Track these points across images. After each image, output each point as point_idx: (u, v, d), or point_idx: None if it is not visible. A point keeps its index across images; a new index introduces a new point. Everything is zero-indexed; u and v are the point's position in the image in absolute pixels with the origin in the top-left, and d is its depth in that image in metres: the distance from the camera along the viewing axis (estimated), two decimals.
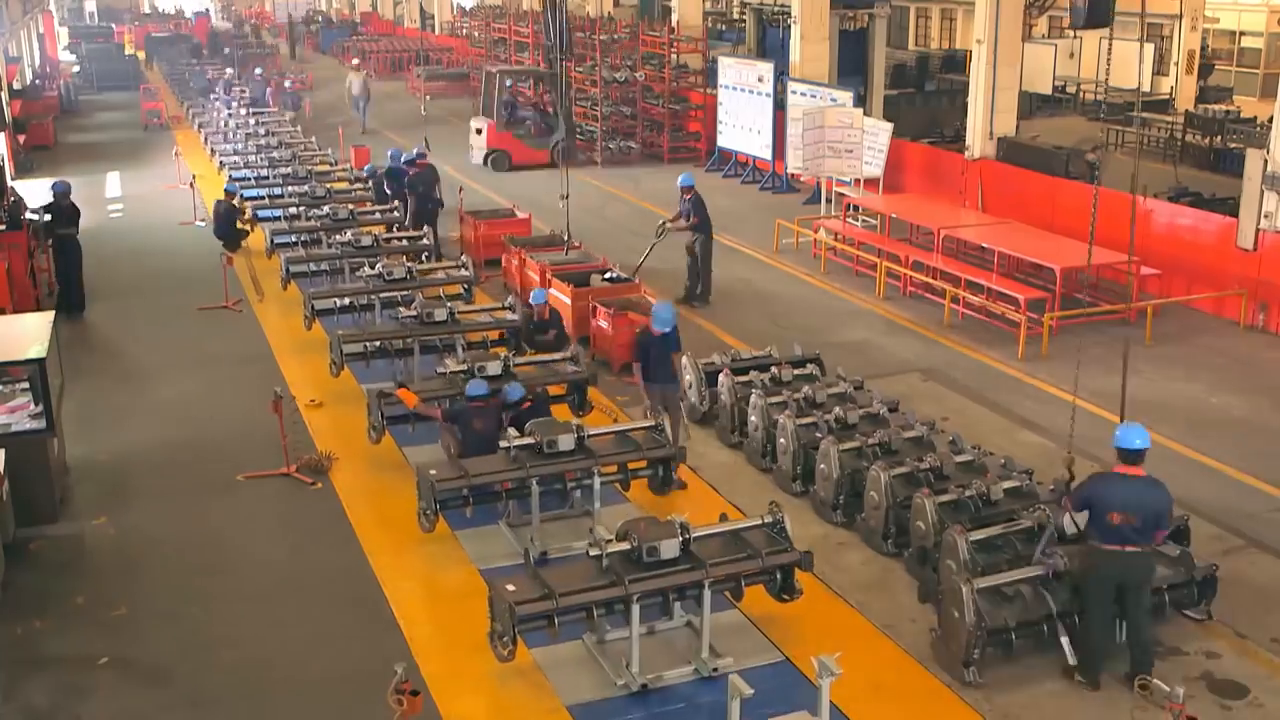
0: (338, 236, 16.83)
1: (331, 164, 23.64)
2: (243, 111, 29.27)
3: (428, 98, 35.78)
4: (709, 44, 30.65)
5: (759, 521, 8.41)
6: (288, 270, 15.97)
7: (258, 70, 35.98)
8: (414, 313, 13.15)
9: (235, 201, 19.71)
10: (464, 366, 11.57)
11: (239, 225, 19.27)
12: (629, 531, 7.93)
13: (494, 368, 11.47)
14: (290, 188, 20.94)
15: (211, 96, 32.35)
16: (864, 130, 19.88)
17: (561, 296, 14.71)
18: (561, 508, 10.32)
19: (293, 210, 19.19)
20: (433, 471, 9.52)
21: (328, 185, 20.82)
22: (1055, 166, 19.61)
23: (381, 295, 14.33)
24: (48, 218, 16.90)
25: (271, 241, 17.53)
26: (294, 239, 17.61)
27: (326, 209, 18.44)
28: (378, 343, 13.05)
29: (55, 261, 16.76)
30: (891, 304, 16.52)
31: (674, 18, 30.12)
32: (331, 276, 16.25)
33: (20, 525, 10.18)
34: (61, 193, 17.12)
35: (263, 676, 8.36)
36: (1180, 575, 8.73)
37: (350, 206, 18.71)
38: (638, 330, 11.77)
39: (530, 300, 13.45)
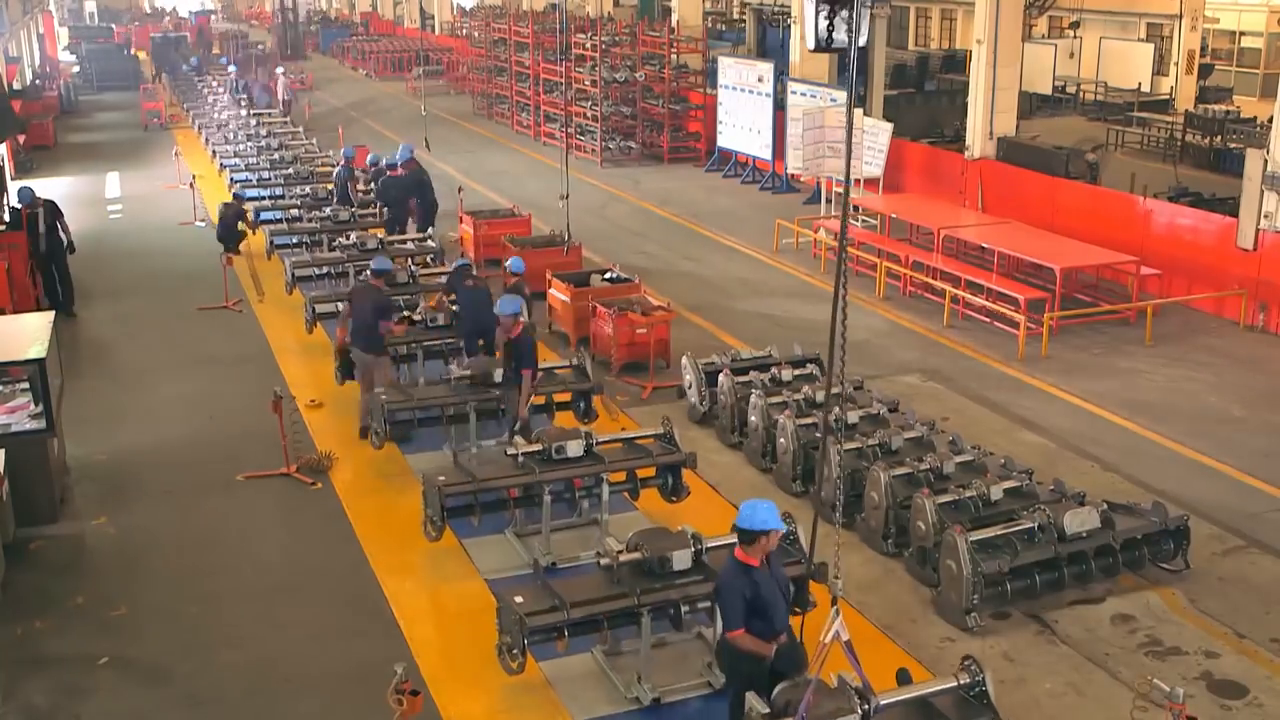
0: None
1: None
2: (244, 114, 29.23)
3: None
4: (709, 44, 30.65)
5: (953, 683, 6.72)
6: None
7: (262, 74, 35.83)
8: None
9: (243, 206, 19.69)
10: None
11: (240, 227, 19.23)
12: None
13: None
14: (294, 188, 21.13)
15: (219, 106, 31.86)
16: (864, 130, 19.88)
17: (561, 296, 14.70)
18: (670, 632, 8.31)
19: (294, 212, 19.46)
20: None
21: (329, 187, 20.86)
22: (1055, 166, 19.60)
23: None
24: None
25: (271, 243, 17.77)
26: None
27: (328, 210, 18.79)
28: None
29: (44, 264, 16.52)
30: (891, 304, 16.52)
31: (674, 18, 30.13)
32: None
33: (20, 525, 10.18)
34: (29, 201, 16.47)
35: (262, 676, 8.35)
36: (1154, 526, 9.09)
37: (352, 209, 18.99)
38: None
39: (510, 269, 13.11)
